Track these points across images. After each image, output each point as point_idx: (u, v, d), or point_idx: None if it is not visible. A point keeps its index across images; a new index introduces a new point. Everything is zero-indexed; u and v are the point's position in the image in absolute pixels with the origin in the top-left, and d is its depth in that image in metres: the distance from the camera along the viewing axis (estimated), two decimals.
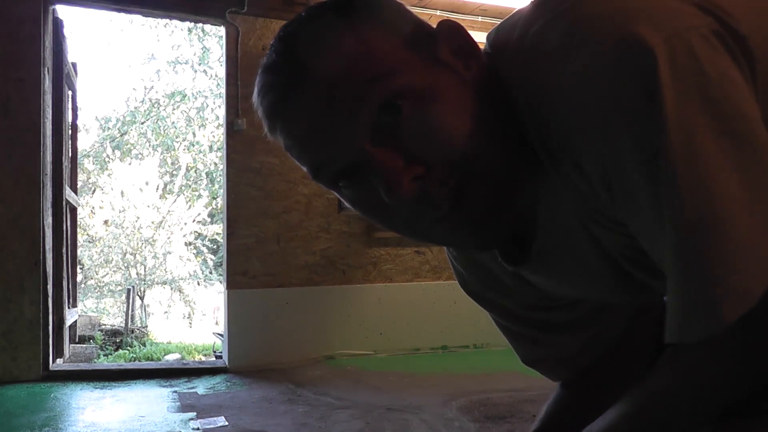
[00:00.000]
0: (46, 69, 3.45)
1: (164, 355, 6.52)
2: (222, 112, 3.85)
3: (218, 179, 10.20)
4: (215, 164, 10.59)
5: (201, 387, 3.24)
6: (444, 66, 0.65)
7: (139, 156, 11.09)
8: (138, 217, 10.59)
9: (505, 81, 0.64)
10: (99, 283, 10.64)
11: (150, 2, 3.71)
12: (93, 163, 10.99)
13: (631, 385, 0.65)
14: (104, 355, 6.25)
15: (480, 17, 4.20)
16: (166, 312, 10.91)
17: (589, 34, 0.56)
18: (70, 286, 4.27)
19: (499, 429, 2.45)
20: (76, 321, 4.87)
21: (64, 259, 3.86)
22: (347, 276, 3.96)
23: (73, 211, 4.58)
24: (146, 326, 8.90)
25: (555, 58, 0.58)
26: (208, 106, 10.81)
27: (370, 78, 0.61)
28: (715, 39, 0.54)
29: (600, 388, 0.85)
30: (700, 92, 0.52)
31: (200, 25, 8.56)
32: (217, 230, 10.64)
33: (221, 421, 2.60)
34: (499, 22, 0.71)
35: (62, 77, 3.85)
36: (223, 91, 3.78)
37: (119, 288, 10.45)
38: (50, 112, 3.53)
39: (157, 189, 10.91)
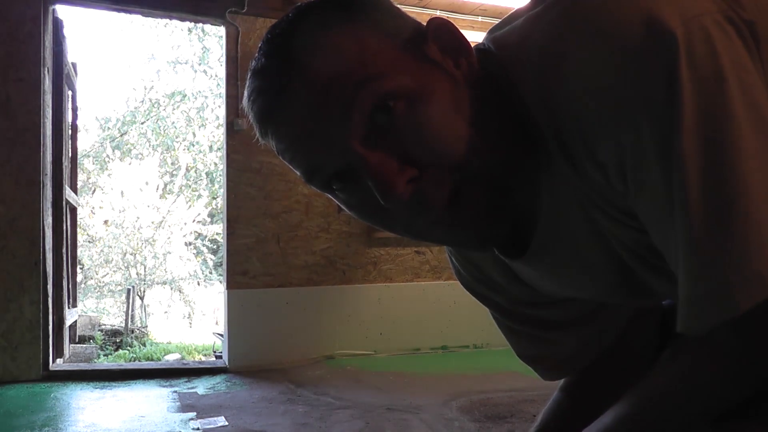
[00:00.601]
0: (46, 69, 3.45)
1: (164, 355, 6.52)
2: (222, 112, 3.85)
3: (218, 179, 10.20)
4: (215, 164, 10.59)
5: (201, 387, 3.24)
6: (434, 65, 0.64)
7: (139, 156, 11.08)
8: (138, 217, 10.59)
9: (509, 76, 0.64)
10: (99, 283, 10.64)
11: (150, 2, 3.71)
12: (93, 163, 10.98)
13: (629, 387, 0.65)
14: (104, 355, 6.26)
15: (480, 17, 4.20)
16: (166, 312, 10.91)
17: (610, 19, 0.55)
18: (70, 286, 4.27)
19: (499, 429, 2.45)
20: (76, 321, 4.87)
21: (64, 259, 3.86)
22: (347, 276, 3.96)
23: (73, 211, 4.58)
24: (146, 326, 8.90)
25: (571, 46, 0.57)
26: (208, 106, 10.81)
27: (361, 80, 0.60)
28: (728, 24, 0.54)
29: (598, 391, 0.85)
30: (717, 80, 0.52)
31: (200, 25, 8.56)
32: (217, 230, 10.64)
33: (221, 421, 2.60)
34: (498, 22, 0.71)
35: (62, 77, 3.85)
36: (223, 91, 3.78)
37: (119, 288, 10.45)
38: (50, 112, 3.53)
39: (157, 189, 10.90)
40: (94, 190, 11.17)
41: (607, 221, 0.64)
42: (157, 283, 10.74)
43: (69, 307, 4.08)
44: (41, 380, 3.27)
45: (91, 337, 6.68)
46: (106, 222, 10.79)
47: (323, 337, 3.85)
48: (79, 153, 5.97)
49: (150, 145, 11.02)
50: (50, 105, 3.54)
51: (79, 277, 7.16)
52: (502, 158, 0.64)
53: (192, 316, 10.94)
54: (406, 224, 0.67)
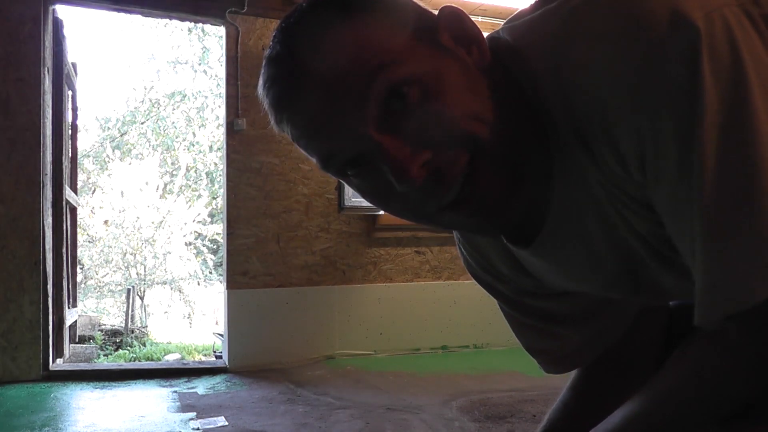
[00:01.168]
0: (46, 69, 3.45)
1: (164, 355, 6.52)
2: (222, 112, 3.85)
3: (218, 179, 10.20)
4: (215, 164, 10.59)
5: (201, 387, 3.24)
6: (447, 52, 0.64)
7: (139, 156, 11.09)
8: (138, 217, 10.58)
9: (524, 65, 0.64)
10: (99, 283, 10.64)
11: (150, 2, 3.70)
12: (93, 163, 10.99)
13: (637, 386, 0.65)
14: (104, 355, 6.26)
15: (480, 17, 4.20)
16: (166, 312, 10.91)
17: (635, 10, 0.56)
18: (70, 286, 4.27)
19: (499, 429, 2.45)
20: (76, 321, 4.87)
21: (64, 259, 3.86)
22: (347, 276, 3.96)
23: (73, 211, 4.58)
24: (146, 326, 8.90)
25: (594, 35, 0.58)
26: (208, 106, 10.82)
27: (376, 66, 0.61)
28: (744, 17, 0.54)
29: (605, 391, 0.85)
30: (737, 71, 0.52)
31: (200, 25, 8.56)
32: (217, 230, 10.64)
33: (221, 421, 2.60)
34: (498, 22, 0.71)
35: (62, 77, 3.85)
36: (223, 91, 3.77)
37: (119, 288, 10.45)
38: (50, 112, 3.53)
39: (157, 189, 10.90)
40: (94, 190, 11.17)
41: (621, 213, 0.64)
42: (157, 283, 10.74)
43: (69, 307, 4.08)
44: (41, 380, 3.27)
45: (91, 337, 6.68)
46: (106, 222, 10.79)
47: (323, 337, 3.85)
48: (79, 153, 5.97)
49: (150, 145, 11.03)
50: (50, 105, 3.54)
51: (79, 277, 7.16)
52: (515, 139, 0.64)
53: (192, 316, 10.94)
54: (419, 209, 0.67)
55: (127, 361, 5.98)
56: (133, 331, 7.73)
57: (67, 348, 4.05)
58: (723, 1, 0.54)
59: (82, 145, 9.85)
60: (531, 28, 0.66)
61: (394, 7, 0.65)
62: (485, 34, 0.68)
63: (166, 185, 11.05)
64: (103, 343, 6.75)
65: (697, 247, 0.55)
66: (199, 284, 11.22)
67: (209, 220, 11.13)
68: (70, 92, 4.30)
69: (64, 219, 3.93)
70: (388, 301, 4.02)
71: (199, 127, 11.01)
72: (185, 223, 10.89)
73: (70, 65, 4.22)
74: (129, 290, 9.15)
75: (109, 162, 10.99)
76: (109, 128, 10.98)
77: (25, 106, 3.31)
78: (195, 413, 2.71)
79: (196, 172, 11.01)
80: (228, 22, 3.70)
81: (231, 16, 3.69)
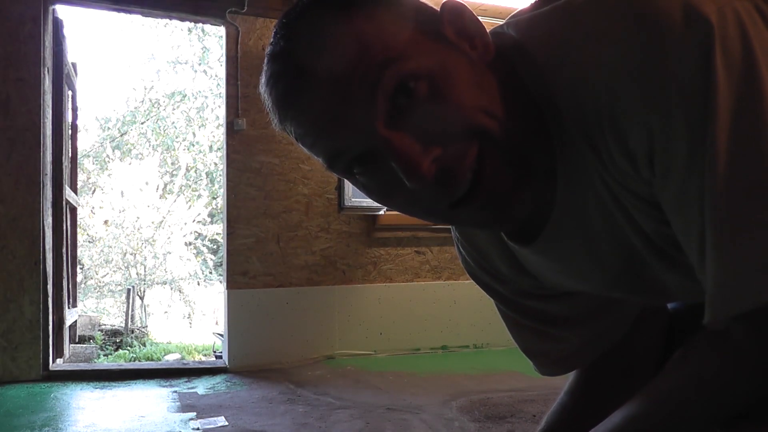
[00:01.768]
0: (46, 69, 3.45)
1: (164, 355, 6.52)
2: (222, 112, 3.84)
3: (218, 179, 10.20)
4: (215, 164, 10.59)
5: (201, 387, 3.24)
6: (452, 46, 0.64)
7: (139, 156, 11.08)
8: (138, 217, 10.58)
9: (532, 61, 0.64)
10: (99, 283, 10.64)
11: (150, 2, 3.70)
12: (93, 163, 10.98)
13: (636, 389, 0.65)
14: (104, 355, 6.26)
15: (480, 17, 4.19)
16: (166, 312, 10.91)
17: (649, 5, 0.55)
18: (70, 286, 4.27)
19: (499, 429, 2.45)
20: (76, 321, 4.87)
21: (64, 259, 3.86)
22: (347, 276, 3.96)
23: (73, 211, 4.58)
24: (146, 326, 8.90)
25: (606, 30, 0.57)
26: (208, 106, 10.81)
27: (382, 61, 0.60)
28: (755, 12, 0.54)
29: (604, 393, 0.84)
30: (750, 67, 0.52)
31: (200, 25, 8.56)
32: (217, 230, 10.64)
33: (221, 421, 2.60)
34: (498, 22, 0.71)
35: (62, 77, 3.84)
36: (223, 91, 3.77)
37: (119, 288, 10.45)
38: (50, 112, 3.53)
39: (157, 189, 10.90)
40: (94, 190, 11.16)
41: (626, 211, 0.63)
42: (157, 283, 10.74)
43: (69, 307, 4.07)
44: (41, 380, 3.27)
45: (91, 337, 6.68)
46: (106, 222, 10.79)
47: (323, 337, 3.85)
48: (79, 153, 5.97)
49: (150, 145, 11.02)
50: (50, 105, 3.54)
51: (79, 277, 7.16)
52: (522, 134, 0.63)
53: (192, 316, 10.94)
54: (428, 206, 0.66)
55: (127, 361, 5.98)
56: (133, 331, 7.73)
57: (67, 348, 4.05)
58: None
59: (82, 145, 9.85)
60: (538, 24, 0.65)
61: (397, 2, 0.65)
62: (489, 29, 0.68)
63: (166, 185, 11.05)
64: (103, 343, 6.75)
65: (708, 242, 0.54)
66: (199, 284, 11.22)
67: (209, 220, 11.13)
68: (70, 92, 4.30)
69: (64, 219, 3.93)
70: (388, 301, 4.02)
71: (199, 127, 11.00)
72: (185, 223, 10.89)
73: (70, 65, 4.22)
74: (129, 290, 9.15)
75: (109, 162, 10.98)
76: (109, 128, 10.97)
77: (25, 106, 3.31)
78: (195, 413, 2.71)
79: (196, 172, 11.01)
80: (228, 22, 3.70)
81: (231, 16, 3.69)
